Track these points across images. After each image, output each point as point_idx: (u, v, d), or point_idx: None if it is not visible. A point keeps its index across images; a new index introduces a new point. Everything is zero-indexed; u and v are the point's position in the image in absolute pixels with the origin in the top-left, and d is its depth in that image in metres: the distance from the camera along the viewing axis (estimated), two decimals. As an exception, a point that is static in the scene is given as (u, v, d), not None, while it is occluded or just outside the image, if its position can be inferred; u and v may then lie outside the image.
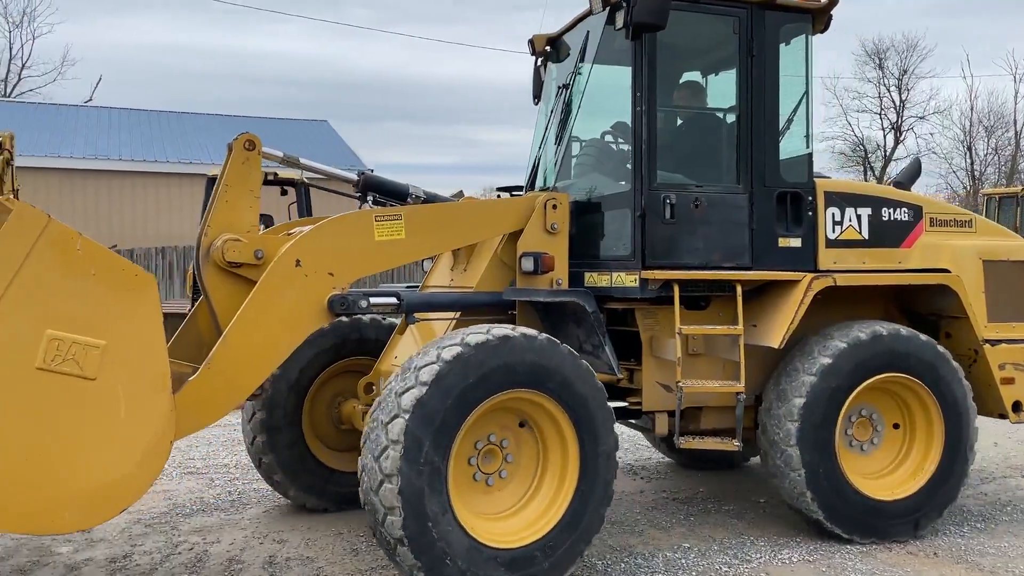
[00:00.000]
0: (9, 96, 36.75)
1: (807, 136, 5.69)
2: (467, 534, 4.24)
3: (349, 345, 5.99)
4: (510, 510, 4.60)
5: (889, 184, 6.51)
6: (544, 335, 4.53)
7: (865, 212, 5.70)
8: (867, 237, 5.69)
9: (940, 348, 5.45)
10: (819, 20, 5.64)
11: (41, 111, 26.26)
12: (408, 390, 4.21)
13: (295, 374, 5.80)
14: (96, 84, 58.05)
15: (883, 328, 5.39)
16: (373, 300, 4.82)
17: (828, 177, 6.27)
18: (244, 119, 26.89)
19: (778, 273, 5.40)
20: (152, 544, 5.39)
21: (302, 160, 5.17)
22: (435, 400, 4.16)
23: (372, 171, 5.88)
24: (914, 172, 6.48)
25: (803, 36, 5.65)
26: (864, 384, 5.30)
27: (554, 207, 5.25)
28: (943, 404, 5.44)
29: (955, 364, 5.48)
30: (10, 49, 45.69)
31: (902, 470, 5.55)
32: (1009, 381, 5.74)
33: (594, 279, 5.43)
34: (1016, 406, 5.80)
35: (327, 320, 4.70)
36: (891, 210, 5.77)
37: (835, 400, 5.24)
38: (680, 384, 5.16)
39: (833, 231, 5.61)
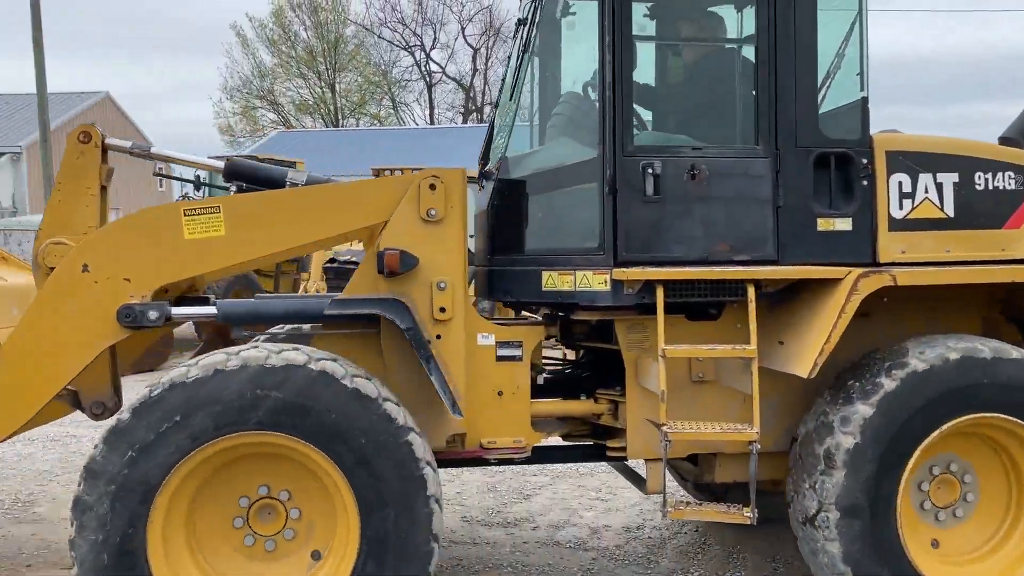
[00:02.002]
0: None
1: (861, 75, 4.04)
2: None
3: None
4: None
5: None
6: (287, 356, 3.43)
7: (950, 179, 4.01)
8: (952, 215, 4.00)
9: None
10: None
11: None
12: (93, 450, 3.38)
13: None
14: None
15: (982, 346, 3.72)
16: (183, 311, 3.86)
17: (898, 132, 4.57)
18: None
19: (810, 268, 3.80)
20: (662, 521, 5.47)
21: (153, 150, 4.40)
22: (110, 462, 3.32)
23: None
24: (1032, 124, 4.69)
25: (854, -66, 4.03)
26: (946, 426, 3.65)
27: (432, 187, 3.81)
28: (1064, 462, 3.72)
29: None
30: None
31: (1003, 555, 3.84)
32: None
33: (554, 281, 3.96)
34: None
35: (121, 334, 3.76)
36: (989, 175, 4.05)
37: (901, 444, 3.63)
38: (665, 428, 3.66)
39: (900, 207, 3.96)
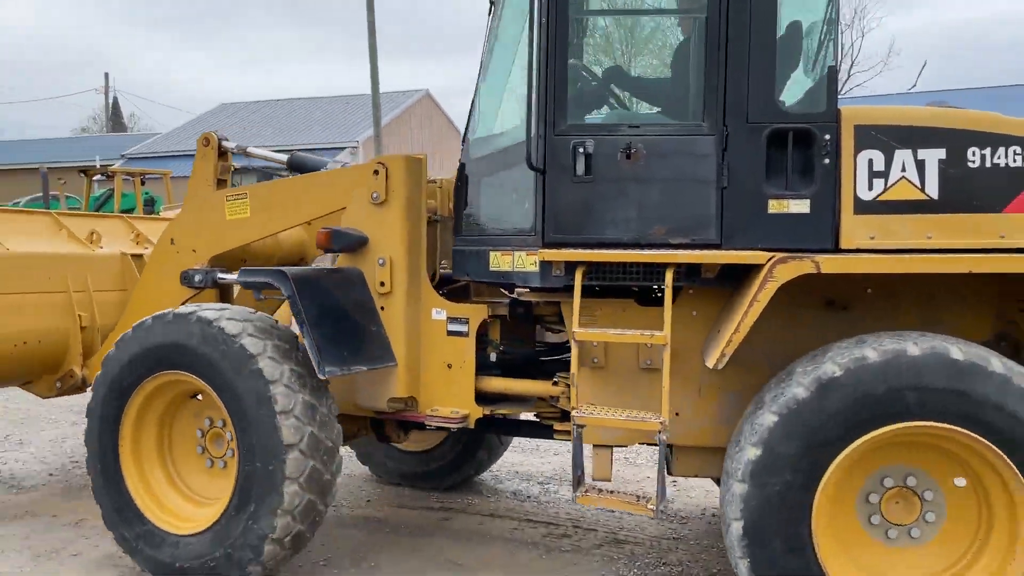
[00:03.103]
0: (840, 93, 46.21)
1: (832, 42, 3.65)
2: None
3: None
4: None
5: None
6: (183, 310, 4.11)
7: (934, 155, 3.53)
8: (936, 196, 3.52)
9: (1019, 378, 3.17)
10: None
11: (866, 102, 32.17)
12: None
13: None
14: (920, 70, 56.98)
15: (941, 345, 3.25)
16: (226, 277, 4.67)
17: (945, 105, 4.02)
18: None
19: (731, 253, 3.53)
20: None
21: (249, 149, 5.26)
22: (94, 402, 4.26)
23: None
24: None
25: None
26: (866, 437, 3.25)
27: (376, 173, 4.27)
28: None
29: None
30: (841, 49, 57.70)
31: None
32: None
33: (498, 261, 4.01)
34: None
35: (186, 293, 4.80)
36: (988, 151, 3.50)
37: (811, 458, 3.28)
38: (574, 412, 3.61)
39: (870, 187, 3.55)
